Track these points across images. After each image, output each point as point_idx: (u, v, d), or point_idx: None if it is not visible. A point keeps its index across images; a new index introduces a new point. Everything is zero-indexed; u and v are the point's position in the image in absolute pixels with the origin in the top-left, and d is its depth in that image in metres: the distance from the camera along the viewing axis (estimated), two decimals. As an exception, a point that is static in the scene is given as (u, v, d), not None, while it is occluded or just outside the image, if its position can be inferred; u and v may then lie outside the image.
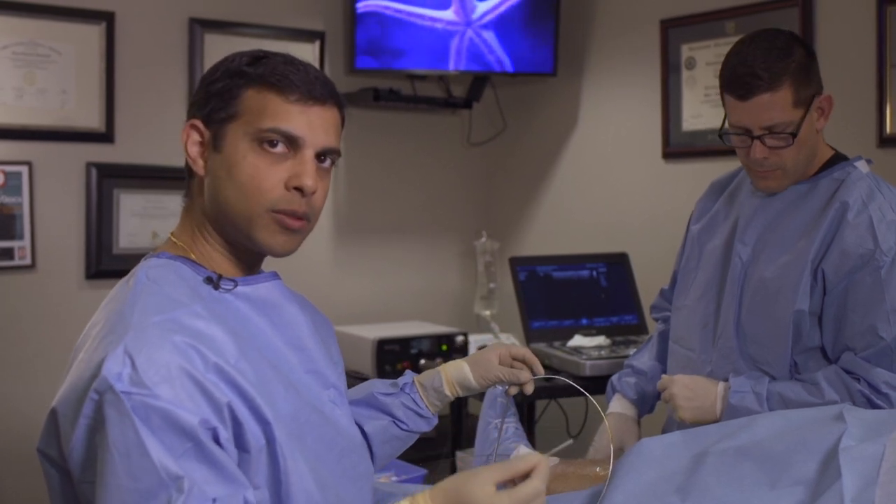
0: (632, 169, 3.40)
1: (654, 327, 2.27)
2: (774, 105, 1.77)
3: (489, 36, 3.53)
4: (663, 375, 2.00)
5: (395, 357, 3.17)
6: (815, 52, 1.85)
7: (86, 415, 1.13)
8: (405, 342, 3.20)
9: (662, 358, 2.12)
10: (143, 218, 3.20)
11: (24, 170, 3.00)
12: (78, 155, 3.10)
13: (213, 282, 1.30)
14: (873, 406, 1.69)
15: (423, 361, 3.15)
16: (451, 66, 3.51)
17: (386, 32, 3.46)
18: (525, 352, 1.66)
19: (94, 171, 3.11)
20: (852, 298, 1.75)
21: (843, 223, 1.77)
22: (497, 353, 1.66)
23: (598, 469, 1.77)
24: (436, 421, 1.67)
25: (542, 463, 1.18)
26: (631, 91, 3.40)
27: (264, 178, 1.27)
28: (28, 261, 3.02)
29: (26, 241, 3.00)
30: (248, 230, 1.29)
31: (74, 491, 1.20)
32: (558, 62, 3.58)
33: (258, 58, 1.31)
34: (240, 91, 1.29)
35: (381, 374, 3.12)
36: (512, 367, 1.64)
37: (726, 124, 1.86)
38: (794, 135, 1.78)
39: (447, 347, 3.25)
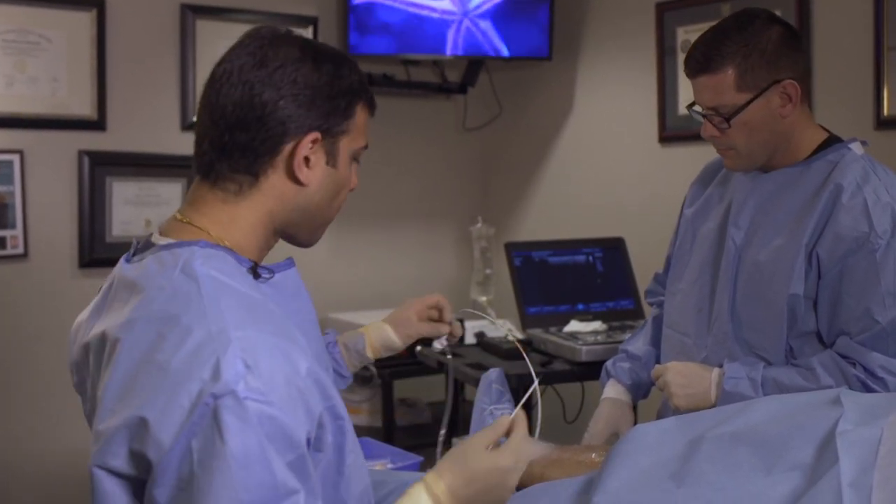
0: (628, 153, 3.39)
1: (650, 312, 2.25)
2: (714, 87, 1.78)
3: (486, 25, 3.51)
4: (657, 364, 1.99)
5: (390, 344, 3.15)
6: (796, 37, 1.83)
7: (195, 421, 1.05)
8: (401, 329, 3.18)
9: (657, 343, 2.11)
10: (137, 206, 3.18)
11: (16, 158, 2.98)
12: (70, 143, 3.09)
13: (255, 271, 1.27)
14: (869, 390, 1.68)
15: (419, 348, 3.13)
16: (447, 53, 3.50)
17: (380, 20, 3.44)
18: (437, 298, 1.77)
19: (86, 159, 3.09)
20: (847, 282, 1.74)
21: (838, 206, 1.75)
22: (414, 309, 1.77)
23: (593, 455, 1.76)
24: (350, 380, 1.78)
25: (519, 415, 1.32)
26: (627, 75, 3.38)
27: None
28: (20, 250, 3.00)
29: (18, 230, 2.99)
30: (317, 234, 1.37)
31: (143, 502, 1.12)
32: (553, 46, 3.56)
33: (359, 70, 1.34)
34: (355, 108, 1.31)
35: (378, 361, 3.10)
36: (430, 318, 1.78)
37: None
38: (728, 119, 1.78)
39: (443, 334, 3.23)
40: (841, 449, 1.27)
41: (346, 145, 1.30)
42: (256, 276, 1.27)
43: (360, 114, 1.32)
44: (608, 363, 2.16)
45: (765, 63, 1.77)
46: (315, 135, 1.26)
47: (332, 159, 1.29)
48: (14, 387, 3.03)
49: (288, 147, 1.25)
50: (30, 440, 3.06)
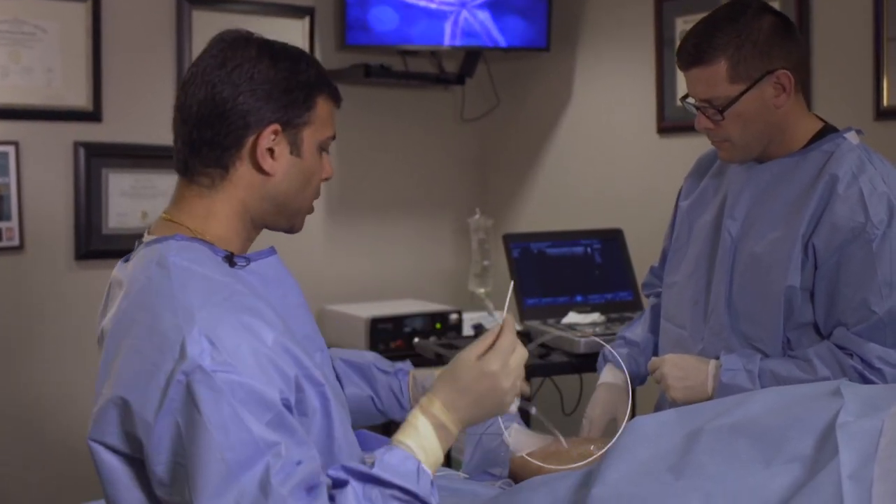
0: (626, 144, 3.38)
1: (648, 302, 2.25)
2: (706, 79, 1.77)
3: (483, 16, 3.50)
4: (653, 357, 1.98)
5: (388, 336, 3.15)
6: (789, 26, 1.81)
7: (172, 398, 1.17)
8: (398, 321, 3.18)
9: (656, 330, 2.10)
10: (133, 197, 3.17)
11: (11, 150, 2.97)
12: (65, 134, 3.07)
13: (230, 260, 1.35)
14: (866, 381, 1.67)
15: (416, 340, 3.13)
16: (445, 43, 3.48)
17: (377, 10, 3.42)
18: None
19: (82, 151, 3.08)
20: (844, 273, 1.73)
21: (834, 196, 1.74)
22: None
23: (591, 447, 1.76)
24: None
25: (506, 320, 1.35)
26: (625, 65, 3.37)
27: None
28: (16, 242, 2.99)
29: (14, 222, 2.98)
30: (296, 221, 1.44)
31: (140, 476, 1.25)
32: (551, 37, 3.54)
33: (318, 65, 1.42)
34: (315, 100, 1.38)
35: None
36: None
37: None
38: (721, 111, 1.77)
39: (441, 326, 3.23)
40: (841, 441, 1.26)
41: (309, 136, 1.39)
42: (232, 264, 1.35)
43: (322, 105, 1.40)
44: (605, 349, 2.15)
45: (757, 53, 1.76)
46: (275, 126, 1.35)
47: (296, 149, 1.38)
48: (11, 378, 3.02)
49: (251, 139, 1.35)
50: (27, 432, 3.05)
